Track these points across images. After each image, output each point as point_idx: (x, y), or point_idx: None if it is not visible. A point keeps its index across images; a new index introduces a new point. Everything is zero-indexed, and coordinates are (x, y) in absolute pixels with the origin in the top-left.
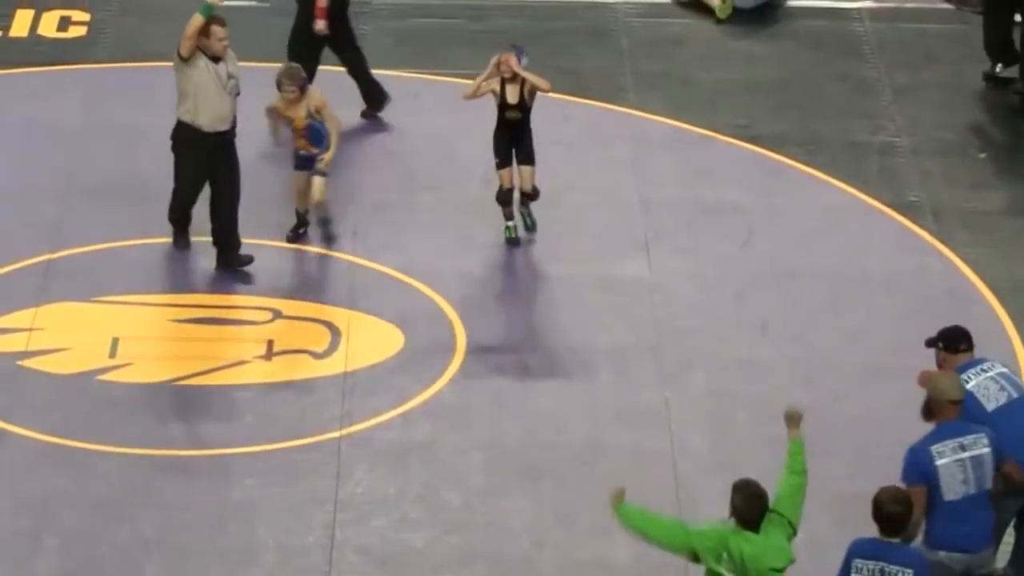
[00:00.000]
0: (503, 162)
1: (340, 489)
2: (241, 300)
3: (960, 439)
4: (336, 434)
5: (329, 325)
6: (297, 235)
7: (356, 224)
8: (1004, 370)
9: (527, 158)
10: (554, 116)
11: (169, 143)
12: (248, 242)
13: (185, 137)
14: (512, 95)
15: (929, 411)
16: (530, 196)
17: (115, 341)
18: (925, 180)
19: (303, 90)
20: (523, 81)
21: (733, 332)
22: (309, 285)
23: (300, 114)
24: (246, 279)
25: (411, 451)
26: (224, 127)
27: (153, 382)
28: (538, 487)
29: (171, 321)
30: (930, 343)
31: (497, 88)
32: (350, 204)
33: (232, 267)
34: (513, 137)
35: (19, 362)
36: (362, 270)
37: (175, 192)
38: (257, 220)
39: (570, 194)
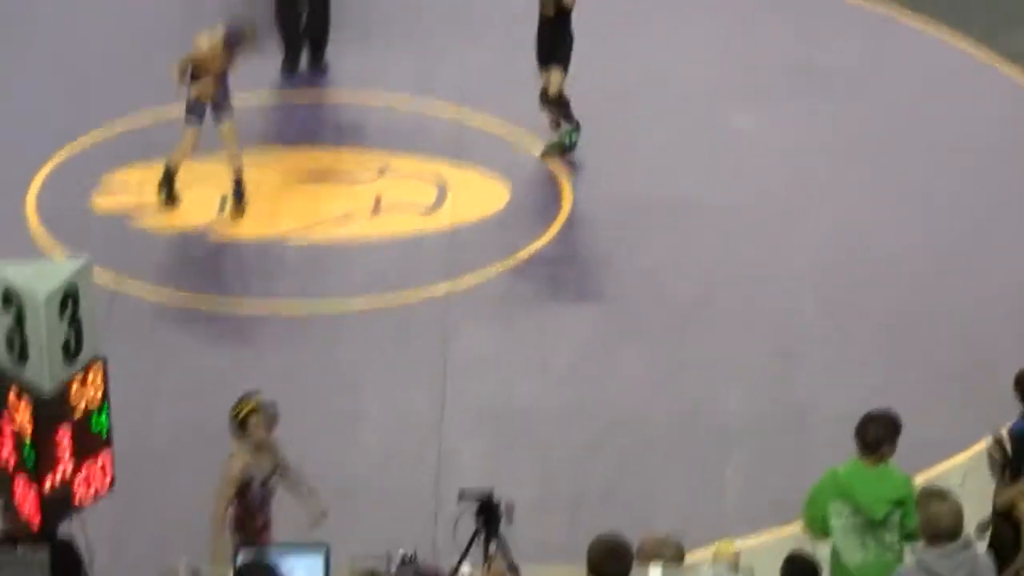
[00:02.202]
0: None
1: (449, 342)
2: (348, 156)
3: None
4: (444, 288)
5: (435, 180)
6: None
7: (462, 77)
8: None
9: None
10: None
11: None
12: (349, 98)
13: None
14: None
15: None
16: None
17: (224, 198)
18: None
19: None
20: None
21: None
22: (416, 140)
23: None
24: (353, 135)
25: (518, 307)
26: None
27: (262, 238)
28: (645, 341)
29: (279, 177)
30: None
31: None
32: (456, 61)
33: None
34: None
35: (130, 218)
36: (468, 124)
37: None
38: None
39: (673, 55)
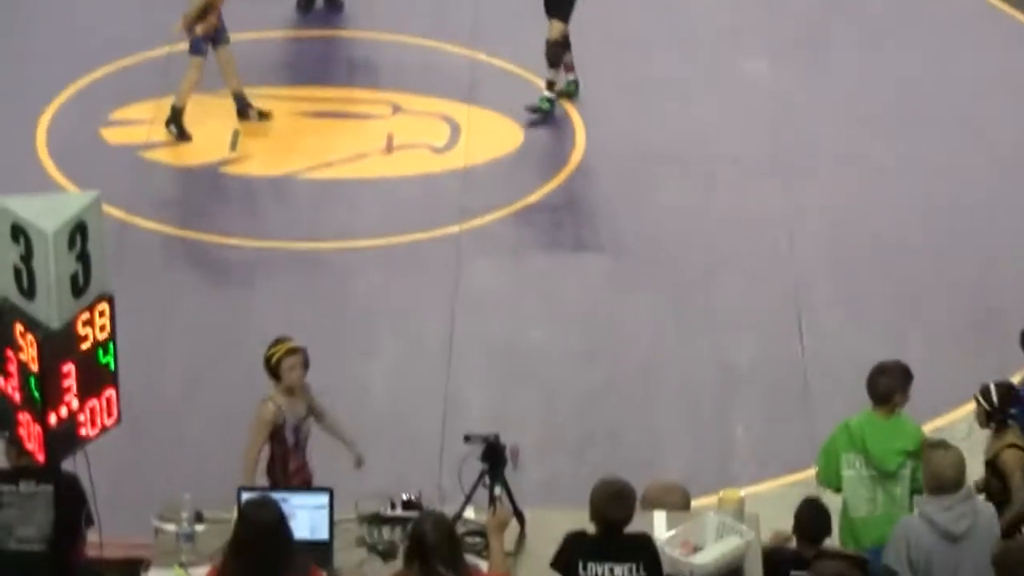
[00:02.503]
0: None
1: (460, 283)
2: (361, 94)
3: None
4: (456, 228)
5: (448, 120)
6: None
7: (476, 17)
8: None
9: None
10: None
11: None
12: (363, 36)
13: None
14: None
15: None
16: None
17: (236, 133)
18: None
19: None
20: None
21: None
22: (429, 79)
23: None
24: (366, 73)
25: (530, 247)
26: None
27: (274, 175)
28: (655, 289)
29: (291, 114)
30: None
31: None
32: (472, 2)
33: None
34: None
35: (140, 153)
36: (481, 64)
37: None
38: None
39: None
